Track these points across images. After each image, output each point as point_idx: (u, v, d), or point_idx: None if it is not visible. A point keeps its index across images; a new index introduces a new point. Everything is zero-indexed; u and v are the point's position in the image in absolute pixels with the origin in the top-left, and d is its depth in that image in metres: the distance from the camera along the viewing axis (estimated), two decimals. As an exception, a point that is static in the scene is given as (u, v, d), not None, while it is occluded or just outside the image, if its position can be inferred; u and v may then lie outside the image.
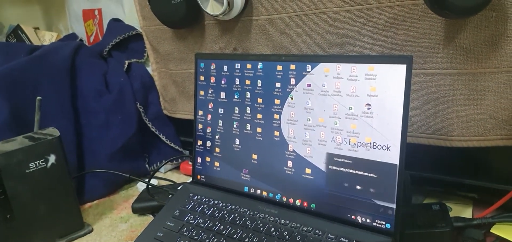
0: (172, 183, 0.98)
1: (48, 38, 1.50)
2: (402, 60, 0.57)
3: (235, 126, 0.74)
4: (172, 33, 0.98)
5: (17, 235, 0.75)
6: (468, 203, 0.79)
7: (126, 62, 1.11)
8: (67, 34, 1.48)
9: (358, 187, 0.61)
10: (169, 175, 1.09)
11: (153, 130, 1.09)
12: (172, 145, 1.10)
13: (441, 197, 0.82)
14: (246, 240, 0.64)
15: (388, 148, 0.59)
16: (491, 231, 0.67)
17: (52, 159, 0.77)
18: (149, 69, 1.11)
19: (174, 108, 1.08)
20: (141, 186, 1.00)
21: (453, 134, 0.70)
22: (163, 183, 1.00)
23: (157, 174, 1.08)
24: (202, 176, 0.79)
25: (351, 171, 0.62)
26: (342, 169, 0.63)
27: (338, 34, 0.76)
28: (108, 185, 1.00)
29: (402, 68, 0.57)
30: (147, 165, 1.08)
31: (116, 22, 1.21)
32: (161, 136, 1.09)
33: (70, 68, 1.04)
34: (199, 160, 0.79)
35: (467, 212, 0.77)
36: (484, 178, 0.75)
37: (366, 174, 0.61)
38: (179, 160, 1.09)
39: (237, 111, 0.73)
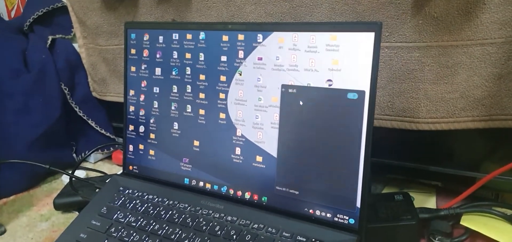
0: (102, 175, 0.87)
1: (-40, 12, 1.33)
2: (370, 27, 0.49)
3: (173, 108, 0.64)
4: (101, 3, 0.87)
5: None
6: (431, 191, 0.74)
7: (50, 37, 0.98)
8: (-17, 8, 1.33)
9: (316, 177, 0.53)
10: (100, 165, 0.97)
11: (81, 114, 0.97)
12: (103, 131, 0.99)
13: (402, 185, 0.76)
14: (186, 241, 0.55)
15: (352, 131, 0.51)
16: (460, 223, 0.61)
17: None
18: (76, 46, 0.99)
19: (105, 89, 0.97)
20: (66, 178, 0.88)
21: (420, 115, 0.64)
22: (93, 174, 0.89)
23: (86, 165, 0.96)
24: (134, 167, 0.68)
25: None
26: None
27: (291, 3, 0.67)
28: (26, 177, 0.88)
29: (369, 37, 0.49)
30: (74, 155, 0.97)
31: (38, -7, 1.07)
32: (90, 121, 0.98)
33: (-19, 45, 0.90)
34: (131, 148, 0.68)
35: (430, 202, 0.71)
36: (449, 164, 0.69)
37: (327, 161, 0.52)
38: (111, 149, 0.98)
39: (175, 90, 0.63)
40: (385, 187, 0.77)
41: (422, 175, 0.74)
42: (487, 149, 0.69)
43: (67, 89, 0.95)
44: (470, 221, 0.61)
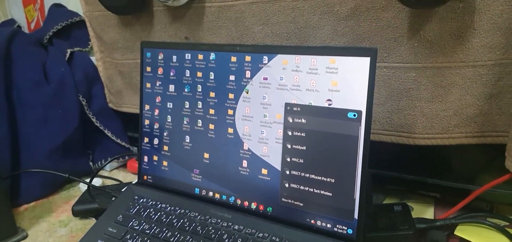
0: (118, 183, 0.91)
1: (-17, 24, 1.38)
2: (366, 52, 0.52)
3: (185, 122, 0.68)
4: (118, 20, 0.91)
5: None
6: (429, 202, 0.77)
7: (68, 51, 1.03)
8: (5, 20, 1.38)
9: (317, 189, 0.57)
10: (115, 173, 1.01)
11: (98, 124, 1.01)
12: (119, 141, 1.03)
13: (402, 196, 0.79)
14: (196, 248, 0.59)
15: (350, 148, 0.54)
16: (455, 233, 0.64)
17: (-21, 156, 0.69)
18: (93, 59, 1.03)
19: (120, 101, 1.01)
20: (84, 186, 0.92)
21: (416, 131, 0.67)
22: (109, 182, 0.93)
23: (102, 173, 1.00)
24: (148, 177, 0.73)
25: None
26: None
27: (296, 24, 0.71)
28: (46, 185, 0.92)
29: (365, 62, 0.52)
30: (91, 163, 1.01)
31: (58, 8, 1.12)
32: (106, 131, 1.02)
33: (4, 56, 0.94)
34: (146, 158, 0.72)
35: (428, 212, 0.74)
36: (446, 177, 0.72)
37: (326, 174, 0.56)
38: (126, 158, 1.02)
39: (187, 106, 0.67)
40: (387, 198, 0.79)
41: (421, 187, 0.77)
42: (483, 163, 0.72)
43: (85, 100, 0.99)
44: (464, 232, 0.64)
